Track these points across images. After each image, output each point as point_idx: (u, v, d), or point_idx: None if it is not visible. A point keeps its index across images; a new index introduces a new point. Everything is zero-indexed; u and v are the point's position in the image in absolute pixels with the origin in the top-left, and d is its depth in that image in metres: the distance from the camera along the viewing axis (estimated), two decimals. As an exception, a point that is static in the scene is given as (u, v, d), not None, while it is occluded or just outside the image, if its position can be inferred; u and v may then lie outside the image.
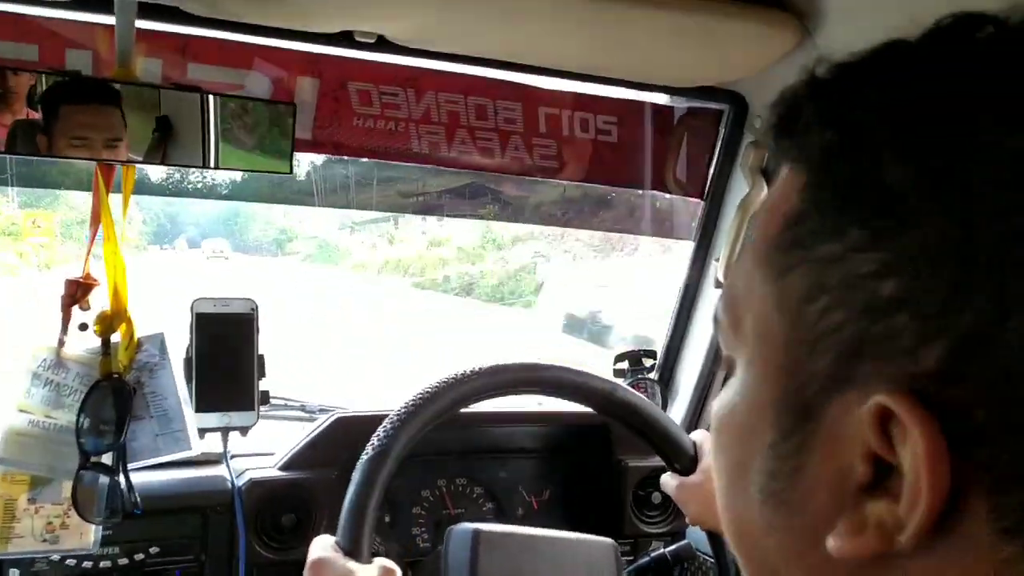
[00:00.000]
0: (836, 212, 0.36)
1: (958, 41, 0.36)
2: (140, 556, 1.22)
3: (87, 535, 1.06)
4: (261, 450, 1.40)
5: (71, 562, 1.18)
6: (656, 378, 1.64)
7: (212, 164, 1.05)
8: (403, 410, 0.99)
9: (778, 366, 0.39)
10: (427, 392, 1.01)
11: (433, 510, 1.44)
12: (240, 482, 1.27)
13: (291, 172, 1.10)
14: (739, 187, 1.41)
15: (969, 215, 0.32)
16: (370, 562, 0.91)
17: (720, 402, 0.44)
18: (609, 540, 1.13)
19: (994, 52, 0.34)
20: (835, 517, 0.36)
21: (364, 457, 0.97)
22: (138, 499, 1.03)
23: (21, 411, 0.99)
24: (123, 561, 1.21)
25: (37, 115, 0.97)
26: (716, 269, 1.45)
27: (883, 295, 0.34)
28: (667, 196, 1.48)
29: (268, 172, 1.10)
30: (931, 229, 0.32)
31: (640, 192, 1.48)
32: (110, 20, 1.01)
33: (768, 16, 1.07)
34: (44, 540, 1.04)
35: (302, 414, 1.55)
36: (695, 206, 1.50)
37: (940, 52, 0.36)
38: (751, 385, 0.41)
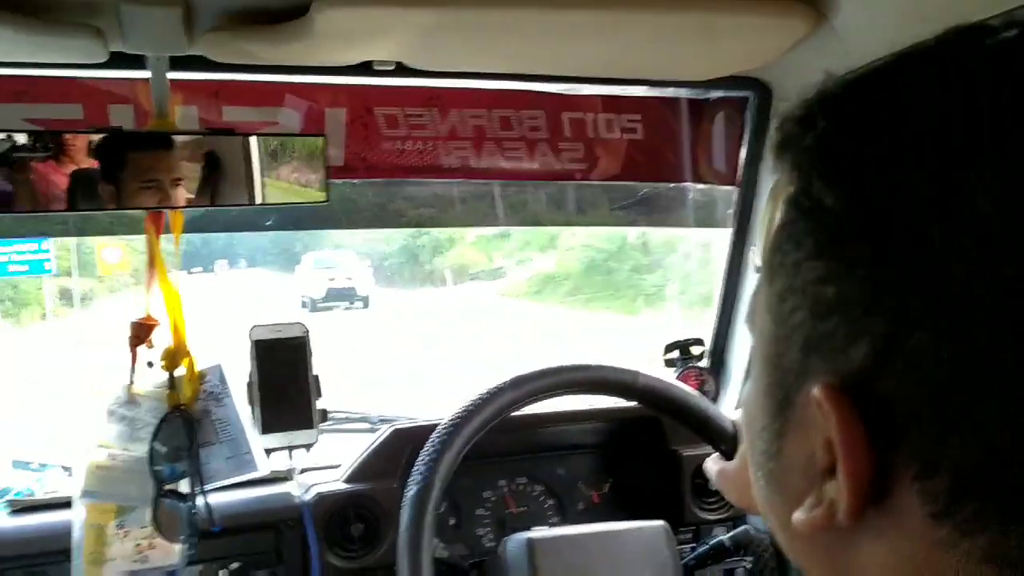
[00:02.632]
0: (798, 225, 0.41)
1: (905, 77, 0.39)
2: (223, 573, 1.30)
3: (172, 554, 1.14)
4: (328, 463, 1.47)
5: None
6: (707, 366, 1.65)
7: (257, 201, 1.12)
8: (436, 439, 1.09)
9: (767, 358, 0.44)
10: (456, 417, 1.11)
11: (496, 510, 1.49)
12: (308, 496, 1.34)
13: (327, 201, 1.16)
14: (770, 172, 1.42)
15: (882, 239, 0.36)
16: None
17: (743, 390, 0.50)
18: (660, 522, 1.15)
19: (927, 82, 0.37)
20: (804, 496, 0.41)
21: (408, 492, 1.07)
22: (215, 518, 1.10)
23: (100, 446, 1.07)
24: None
25: (95, 164, 1.05)
26: (754, 254, 1.46)
27: (824, 298, 0.38)
28: (700, 187, 1.49)
29: (307, 203, 1.16)
30: (853, 246, 0.37)
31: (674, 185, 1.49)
32: (146, 75, 1.09)
33: (783, 5, 1.08)
34: (135, 561, 1.12)
35: (365, 426, 1.62)
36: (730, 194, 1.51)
37: (896, 81, 0.39)
38: (755, 375, 0.47)
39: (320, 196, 1.15)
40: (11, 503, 1.32)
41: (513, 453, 1.52)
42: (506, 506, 1.50)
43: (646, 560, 1.12)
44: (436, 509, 1.04)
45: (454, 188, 1.44)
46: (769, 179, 1.40)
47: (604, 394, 1.31)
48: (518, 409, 1.15)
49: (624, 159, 1.43)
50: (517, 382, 1.13)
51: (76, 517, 1.10)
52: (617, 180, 1.44)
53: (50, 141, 1.02)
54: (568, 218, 1.52)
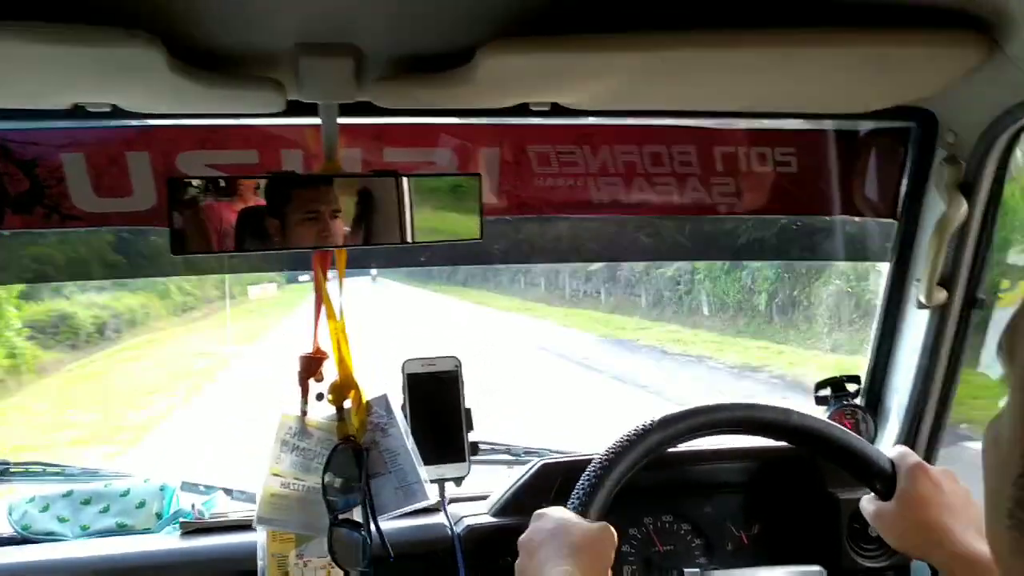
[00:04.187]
0: None
1: None
2: None
3: None
4: (474, 492, 1.49)
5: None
6: (862, 404, 1.58)
7: (410, 240, 1.15)
8: (629, 434, 1.11)
9: None
10: (606, 457, 1.11)
11: (642, 548, 1.47)
12: (459, 529, 1.36)
13: (481, 238, 1.18)
14: (934, 205, 1.35)
15: None
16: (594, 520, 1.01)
17: (989, 427, 0.47)
18: (817, 567, 1.11)
19: None
20: None
21: (595, 460, 1.09)
22: (390, 549, 1.13)
23: (274, 475, 1.12)
24: None
25: (262, 202, 1.11)
26: (918, 290, 1.39)
27: None
28: (856, 220, 1.44)
29: (460, 240, 1.19)
30: None
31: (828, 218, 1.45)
32: (316, 121, 1.15)
33: (953, 35, 1.03)
34: None
35: (508, 457, 1.63)
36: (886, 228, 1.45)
37: None
38: (1013, 416, 0.44)
39: (474, 233, 1.18)
40: (183, 524, 1.41)
41: (659, 490, 1.49)
42: (652, 544, 1.47)
43: None
44: (623, 474, 1.07)
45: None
46: (933, 211, 1.34)
47: (756, 434, 1.27)
48: (668, 449, 1.13)
49: (776, 193, 1.39)
50: (666, 422, 1.11)
51: (260, 544, 1.15)
52: (768, 214, 1.41)
53: (228, 184, 1.09)
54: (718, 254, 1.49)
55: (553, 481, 1.37)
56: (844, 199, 1.41)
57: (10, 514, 1.44)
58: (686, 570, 1.10)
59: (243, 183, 1.09)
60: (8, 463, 1.51)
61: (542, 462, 1.41)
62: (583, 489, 1.07)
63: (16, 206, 1.21)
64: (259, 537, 1.15)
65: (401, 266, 1.53)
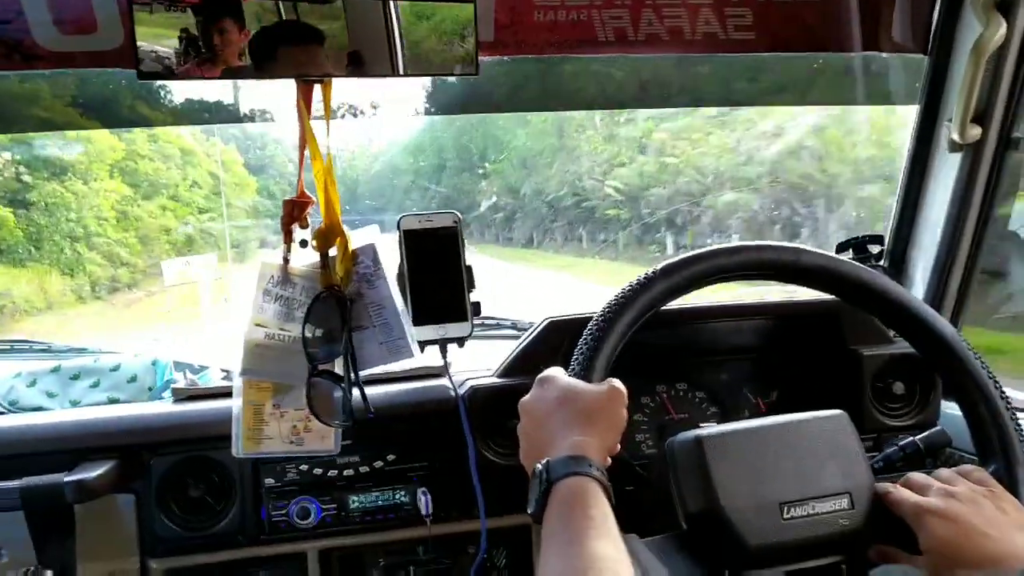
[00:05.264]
0: None
1: None
2: (379, 464, 1.29)
3: (328, 439, 1.13)
4: (478, 367, 1.43)
5: (318, 471, 1.27)
6: (886, 265, 1.50)
7: (401, 71, 1.05)
8: (642, 278, 1.01)
9: None
10: (667, 265, 1.02)
11: (655, 416, 1.41)
12: (463, 391, 1.30)
13: (477, 73, 1.08)
14: (968, 33, 1.23)
15: None
16: (599, 382, 0.93)
17: None
18: (839, 411, 1.03)
19: None
20: None
21: (596, 316, 1.00)
22: (370, 404, 1.07)
23: (257, 325, 1.05)
24: (364, 469, 1.28)
25: (244, 63, 1.01)
26: (949, 130, 1.29)
27: None
28: (883, 56, 1.32)
29: (455, 76, 1.09)
30: None
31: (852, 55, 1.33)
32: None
33: None
34: (291, 442, 1.11)
35: (515, 332, 1.56)
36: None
37: None
38: None
39: (469, 69, 1.08)
40: (176, 391, 1.35)
41: (672, 356, 1.42)
42: (666, 412, 1.41)
43: (828, 452, 0.99)
44: (626, 329, 0.98)
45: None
46: (967, 41, 1.22)
47: (766, 278, 1.17)
48: (673, 299, 1.05)
49: (796, 26, 1.28)
50: (668, 270, 1.02)
51: (236, 392, 1.09)
52: (786, 50, 1.29)
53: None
54: (733, 96, 1.38)
55: (561, 339, 1.30)
56: (869, 33, 1.28)
57: (-6, 390, 1.40)
58: (701, 424, 1.03)
59: (222, 37, 1.00)
60: (-15, 338, 1.46)
61: (549, 320, 1.34)
62: (584, 350, 0.98)
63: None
64: (236, 383, 1.09)
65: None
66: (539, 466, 0.83)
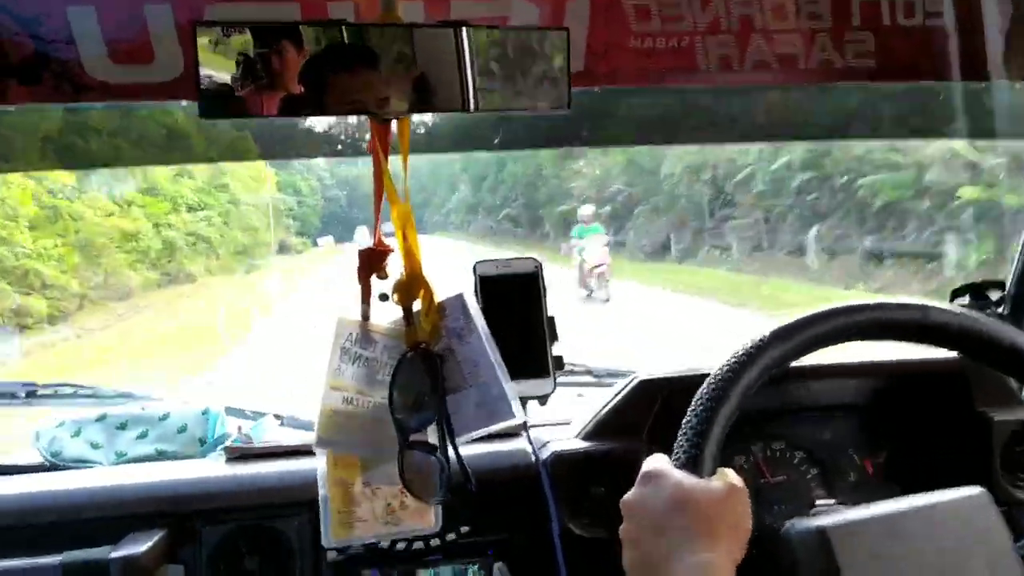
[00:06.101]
0: None
1: None
2: (451, 536, 1.17)
3: (427, 515, 1.03)
4: (551, 419, 1.31)
5: (383, 543, 1.15)
6: (1005, 312, 1.36)
7: (482, 106, 0.94)
8: (741, 353, 0.89)
9: None
10: (761, 340, 0.90)
11: (749, 478, 1.27)
12: (544, 455, 1.19)
13: (568, 108, 0.96)
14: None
15: None
16: (711, 474, 0.82)
17: None
18: (977, 488, 0.90)
19: None
20: None
21: (702, 390, 0.88)
22: (472, 476, 0.95)
23: (334, 389, 0.93)
24: (434, 542, 1.16)
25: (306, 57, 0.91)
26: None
27: None
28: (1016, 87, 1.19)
29: (540, 112, 0.97)
30: None
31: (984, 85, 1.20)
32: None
33: None
34: (386, 523, 1.01)
35: (590, 379, 1.45)
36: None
37: None
38: None
39: (560, 101, 0.96)
40: (229, 450, 1.25)
41: (768, 413, 1.29)
42: (761, 474, 1.28)
43: (972, 540, 0.87)
44: (729, 415, 0.86)
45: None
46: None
47: (889, 339, 1.05)
48: (788, 364, 0.92)
49: (921, 53, 1.15)
50: (780, 335, 0.90)
51: (320, 470, 0.98)
52: (911, 80, 1.16)
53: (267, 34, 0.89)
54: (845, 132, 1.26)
55: (653, 400, 1.18)
56: (1010, 58, 1.15)
57: (38, 440, 1.30)
58: (818, 502, 0.90)
59: (281, 60, 0.89)
60: (36, 385, 1.37)
61: (639, 380, 1.22)
62: (690, 436, 0.85)
63: (22, 75, 1.02)
64: (319, 462, 0.97)
65: (471, 150, 1.32)
66: None
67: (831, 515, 0.87)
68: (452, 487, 0.93)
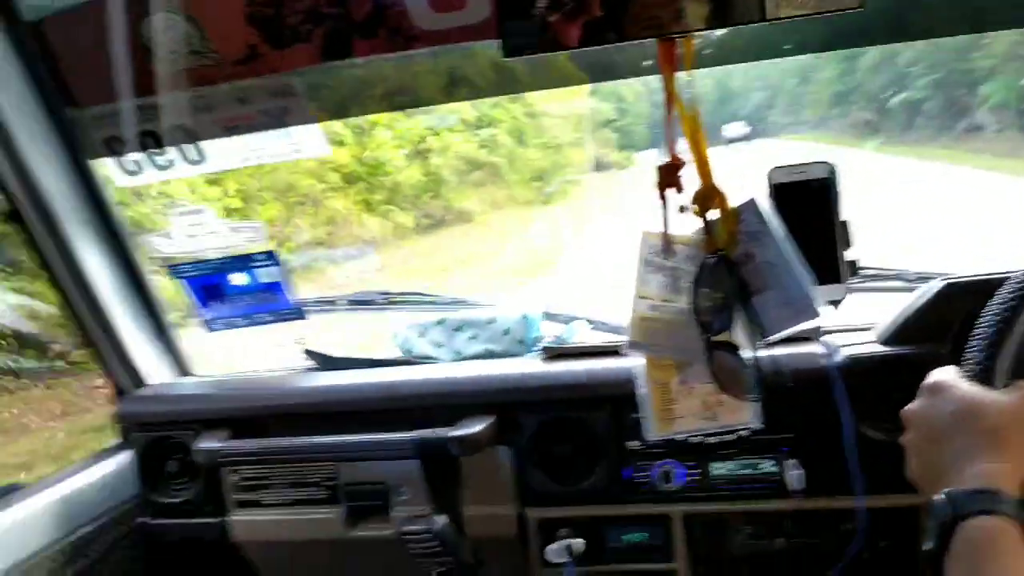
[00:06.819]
0: None
1: None
2: (744, 431, 1.24)
3: (744, 411, 1.08)
4: (854, 324, 1.31)
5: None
6: None
7: (771, 15, 0.94)
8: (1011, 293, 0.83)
9: None
10: None
11: None
12: (837, 359, 1.20)
13: (863, 6, 0.94)
14: None
15: None
16: (1004, 387, 0.79)
17: None
18: None
19: None
20: None
21: (995, 298, 0.84)
22: (787, 372, 1.00)
23: (642, 297, 1.04)
24: (728, 437, 1.25)
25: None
26: None
27: None
28: None
29: (835, 12, 0.96)
30: None
31: None
32: None
33: None
34: (704, 418, 1.09)
35: (898, 283, 1.40)
36: None
37: None
38: None
39: (852, 2, 0.93)
40: (547, 349, 1.42)
41: None
42: None
43: None
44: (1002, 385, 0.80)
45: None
46: None
47: None
48: None
49: None
50: None
51: (638, 371, 1.09)
52: None
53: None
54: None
55: (959, 306, 1.13)
56: None
57: (395, 338, 1.58)
58: None
59: None
60: (389, 292, 1.64)
61: (946, 281, 1.18)
62: (982, 345, 0.82)
63: (362, 31, 1.19)
64: (635, 363, 1.09)
65: (760, 58, 1.30)
66: (938, 498, 0.70)
67: None
68: (766, 385, 0.99)
